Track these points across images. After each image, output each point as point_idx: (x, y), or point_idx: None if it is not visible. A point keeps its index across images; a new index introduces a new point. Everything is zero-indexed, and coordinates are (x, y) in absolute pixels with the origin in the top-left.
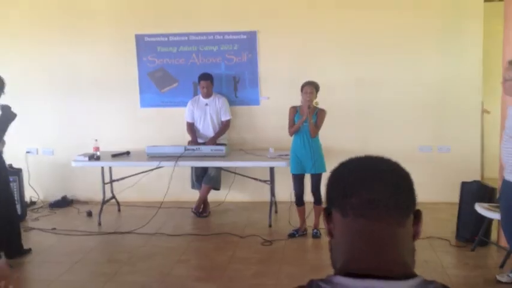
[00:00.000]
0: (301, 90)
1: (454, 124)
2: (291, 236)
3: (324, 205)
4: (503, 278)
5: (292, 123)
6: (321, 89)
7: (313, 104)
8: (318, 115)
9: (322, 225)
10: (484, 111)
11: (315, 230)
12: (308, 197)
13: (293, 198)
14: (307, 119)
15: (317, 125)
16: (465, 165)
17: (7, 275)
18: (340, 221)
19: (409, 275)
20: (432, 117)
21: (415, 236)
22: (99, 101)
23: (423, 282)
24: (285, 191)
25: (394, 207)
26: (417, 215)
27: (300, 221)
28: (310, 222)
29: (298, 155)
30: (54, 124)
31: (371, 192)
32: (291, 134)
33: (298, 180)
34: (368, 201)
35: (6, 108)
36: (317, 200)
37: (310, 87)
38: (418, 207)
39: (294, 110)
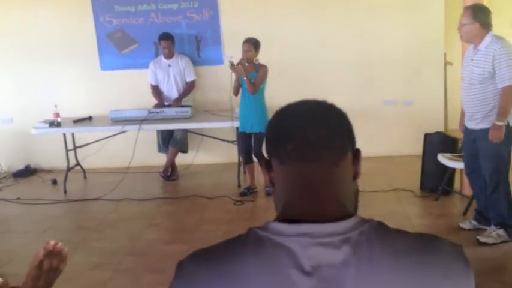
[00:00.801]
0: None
1: (417, 77)
2: (243, 194)
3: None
4: (466, 225)
5: (237, 81)
6: (285, 46)
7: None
8: (258, 71)
9: None
10: (447, 63)
11: (267, 188)
12: None
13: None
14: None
15: (255, 82)
16: (429, 118)
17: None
18: (278, 168)
19: (345, 216)
20: (396, 72)
21: (355, 175)
22: (57, 65)
23: (359, 222)
24: None
25: (327, 149)
26: (356, 154)
27: (249, 178)
28: None
29: (242, 113)
30: (11, 91)
31: (304, 136)
32: (233, 93)
33: (242, 139)
34: (301, 145)
35: None
36: (260, 161)
37: (247, 45)
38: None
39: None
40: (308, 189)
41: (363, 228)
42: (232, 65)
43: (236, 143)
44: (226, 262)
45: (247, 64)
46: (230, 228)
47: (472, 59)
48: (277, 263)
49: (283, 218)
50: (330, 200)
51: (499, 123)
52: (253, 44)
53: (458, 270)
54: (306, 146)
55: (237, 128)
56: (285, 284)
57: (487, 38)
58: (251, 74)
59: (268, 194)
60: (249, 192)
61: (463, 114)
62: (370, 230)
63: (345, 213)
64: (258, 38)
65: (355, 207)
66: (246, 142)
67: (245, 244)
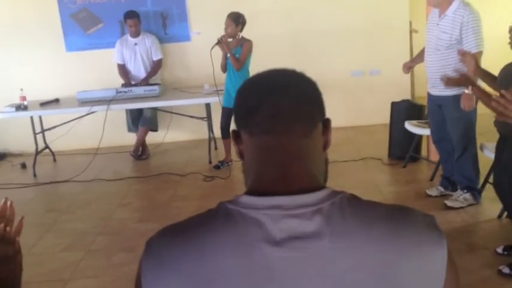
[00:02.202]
0: None
1: (383, 46)
2: (216, 167)
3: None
4: (433, 192)
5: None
6: (252, 19)
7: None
8: (242, 47)
9: None
10: (413, 31)
11: None
12: None
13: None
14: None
15: (240, 58)
16: (396, 86)
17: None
18: (248, 140)
19: (317, 187)
20: (362, 42)
21: (326, 145)
22: (21, 48)
23: (331, 193)
24: None
25: (297, 119)
26: (326, 124)
27: (225, 152)
28: None
29: (228, 89)
30: None
31: (273, 107)
32: (221, 70)
33: (224, 113)
34: (271, 116)
35: None
36: None
37: (227, 20)
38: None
39: None
40: (278, 161)
41: (334, 200)
42: (218, 42)
43: (206, 119)
44: (194, 236)
45: (229, 40)
46: (202, 204)
47: (438, 24)
48: (247, 236)
49: (253, 191)
50: (301, 172)
51: (468, 92)
52: (232, 19)
53: (432, 240)
54: (276, 117)
55: (207, 105)
56: (255, 257)
57: (455, 4)
58: (236, 50)
59: None
60: (222, 165)
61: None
62: (342, 201)
63: (316, 185)
64: (226, 14)
65: (326, 177)
66: (227, 117)
67: (214, 218)
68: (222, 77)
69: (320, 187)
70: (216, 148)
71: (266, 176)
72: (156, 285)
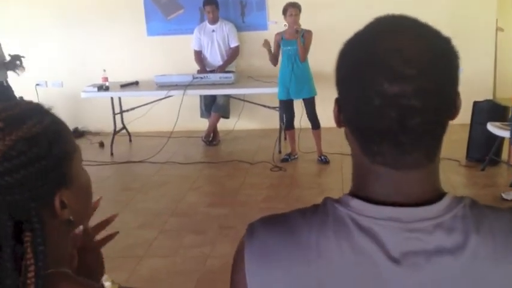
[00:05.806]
0: (284, 13)
1: (467, 43)
2: (284, 160)
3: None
4: (509, 196)
5: (275, 50)
6: (328, 10)
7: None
8: (305, 37)
9: (327, 150)
10: (498, 30)
11: (322, 157)
12: (304, 122)
13: (302, 124)
14: (294, 43)
15: (305, 48)
16: (478, 85)
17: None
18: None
19: (437, 196)
20: None
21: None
22: (105, 31)
23: (451, 203)
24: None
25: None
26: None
27: (290, 144)
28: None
29: (285, 81)
30: (61, 56)
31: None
32: (272, 63)
33: (285, 106)
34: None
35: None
36: (314, 125)
37: (295, 9)
38: None
39: (279, 37)
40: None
41: (456, 211)
42: (297, 31)
43: (278, 109)
44: (303, 235)
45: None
46: (271, 193)
47: None
48: (362, 245)
49: (363, 195)
50: (421, 179)
51: None
52: (298, 8)
53: None
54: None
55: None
56: (370, 269)
57: None
58: (296, 41)
59: (322, 162)
60: (290, 158)
61: None
62: (464, 212)
63: (435, 192)
64: (303, 3)
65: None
66: (290, 108)
67: (324, 218)
68: None
69: (439, 195)
70: (285, 139)
71: (377, 182)
72: (260, 274)
